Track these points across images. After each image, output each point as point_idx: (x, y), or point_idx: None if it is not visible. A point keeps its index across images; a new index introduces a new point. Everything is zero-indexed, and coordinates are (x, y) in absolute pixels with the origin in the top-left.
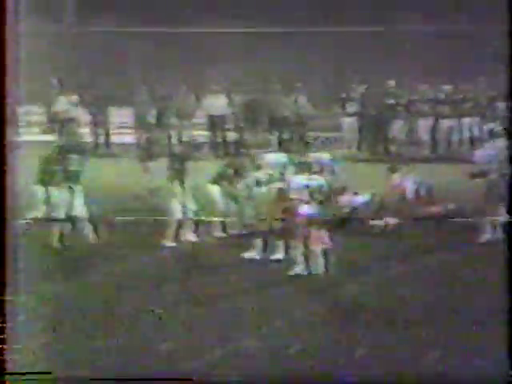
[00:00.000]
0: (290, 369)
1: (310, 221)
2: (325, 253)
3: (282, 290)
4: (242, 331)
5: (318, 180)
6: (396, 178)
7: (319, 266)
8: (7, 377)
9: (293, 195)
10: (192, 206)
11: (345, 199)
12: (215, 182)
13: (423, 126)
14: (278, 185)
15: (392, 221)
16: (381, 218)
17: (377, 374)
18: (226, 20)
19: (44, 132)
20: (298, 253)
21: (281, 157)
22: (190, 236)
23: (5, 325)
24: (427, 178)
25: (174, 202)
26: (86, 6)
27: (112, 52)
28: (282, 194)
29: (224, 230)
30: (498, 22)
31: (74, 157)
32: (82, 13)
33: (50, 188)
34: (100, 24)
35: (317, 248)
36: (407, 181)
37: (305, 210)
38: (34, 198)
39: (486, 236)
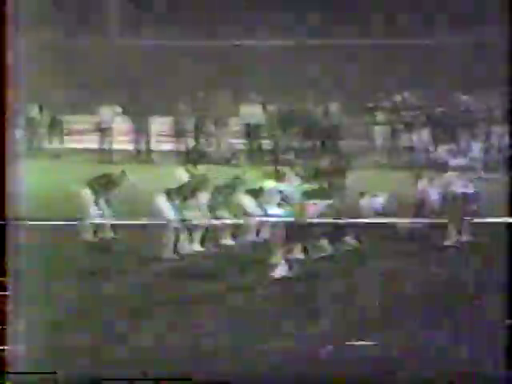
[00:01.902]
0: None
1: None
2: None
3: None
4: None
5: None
6: (420, 184)
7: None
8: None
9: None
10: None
11: (364, 202)
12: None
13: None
14: None
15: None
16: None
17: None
18: (263, 32)
19: (86, 140)
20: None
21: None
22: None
23: (5, 326)
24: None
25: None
26: (129, 20)
27: (153, 64)
28: None
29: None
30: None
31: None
32: (124, 26)
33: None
34: (142, 37)
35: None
36: (431, 189)
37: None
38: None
39: (451, 240)
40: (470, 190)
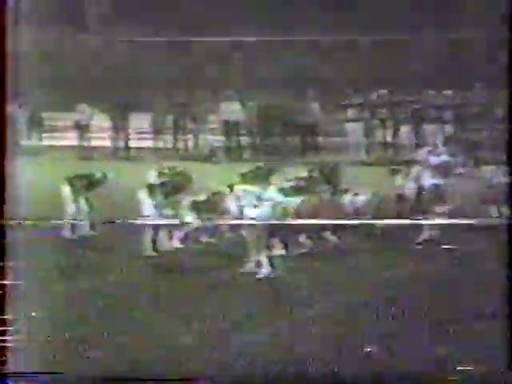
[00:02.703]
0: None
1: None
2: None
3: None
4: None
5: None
6: (398, 179)
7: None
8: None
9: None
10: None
11: (347, 200)
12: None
13: (428, 130)
14: None
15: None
16: (381, 218)
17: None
18: (241, 28)
19: (66, 138)
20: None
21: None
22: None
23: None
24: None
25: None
26: (106, 17)
27: (131, 60)
28: None
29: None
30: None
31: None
32: (102, 23)
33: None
34: (121, 32)
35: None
36: (409, 182)
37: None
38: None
39: (423, 236)
40: (440, 183)
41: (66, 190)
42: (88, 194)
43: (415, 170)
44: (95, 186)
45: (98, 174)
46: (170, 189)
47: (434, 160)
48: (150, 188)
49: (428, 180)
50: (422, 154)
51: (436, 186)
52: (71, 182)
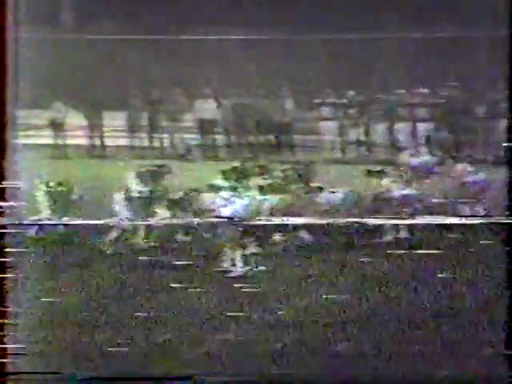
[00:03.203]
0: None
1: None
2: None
3: None
4: None
5: None
6: (385, 183)
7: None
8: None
9: None
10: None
11: (322, 198)
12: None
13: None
14: None
15: None
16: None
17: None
18: (216, 27)
19: (42, 136)
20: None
21: None
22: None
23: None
24: None
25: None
26: (82, 14)
27: (105, 58)
28: None
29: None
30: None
31: None
32: (77, 19)
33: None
34: (95, 30)
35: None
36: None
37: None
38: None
39: (388, 237)
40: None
41: (41, 196)
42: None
43: (385, 181)
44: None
45: (75, 197)
46: (148, 199)
47: (413, 162)
48: (128, 195)
49: (398, 191)
50: (402, 157)
51: (406, 196)
52: (48, 191)
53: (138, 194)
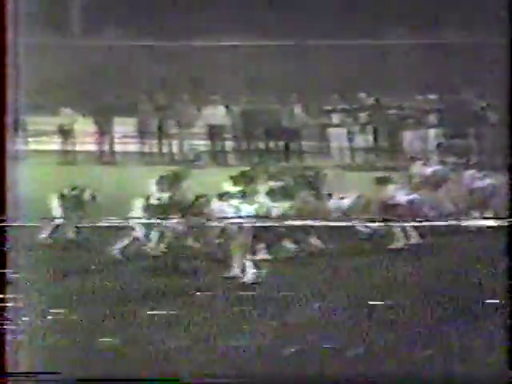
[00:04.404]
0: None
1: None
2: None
3: None
4: None
5: None
6: (390, 189)
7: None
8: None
9: None
10: None
11: (332, 203)
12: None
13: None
14: None
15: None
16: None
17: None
18: (226, 33)
19: (50, 142)
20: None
21: None
22: None
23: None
24: None
25: None
26: (92, 20)
27: (115, 64)
28: None
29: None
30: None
31: None
32: (86, 25)
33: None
34: (104, 36)
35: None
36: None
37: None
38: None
39: (398, 243)
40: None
41: (56, 204)
42: (76, 212)
43: (391, 187)
44: (83, 206)
45: (87, 196)
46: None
47: (426, 171)
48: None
49: (403, 197)
50: (416, 167)
51: (411, 201)
52: (62, 199)
53: (157, 201)
